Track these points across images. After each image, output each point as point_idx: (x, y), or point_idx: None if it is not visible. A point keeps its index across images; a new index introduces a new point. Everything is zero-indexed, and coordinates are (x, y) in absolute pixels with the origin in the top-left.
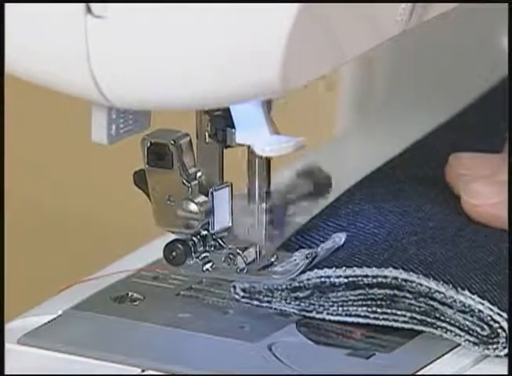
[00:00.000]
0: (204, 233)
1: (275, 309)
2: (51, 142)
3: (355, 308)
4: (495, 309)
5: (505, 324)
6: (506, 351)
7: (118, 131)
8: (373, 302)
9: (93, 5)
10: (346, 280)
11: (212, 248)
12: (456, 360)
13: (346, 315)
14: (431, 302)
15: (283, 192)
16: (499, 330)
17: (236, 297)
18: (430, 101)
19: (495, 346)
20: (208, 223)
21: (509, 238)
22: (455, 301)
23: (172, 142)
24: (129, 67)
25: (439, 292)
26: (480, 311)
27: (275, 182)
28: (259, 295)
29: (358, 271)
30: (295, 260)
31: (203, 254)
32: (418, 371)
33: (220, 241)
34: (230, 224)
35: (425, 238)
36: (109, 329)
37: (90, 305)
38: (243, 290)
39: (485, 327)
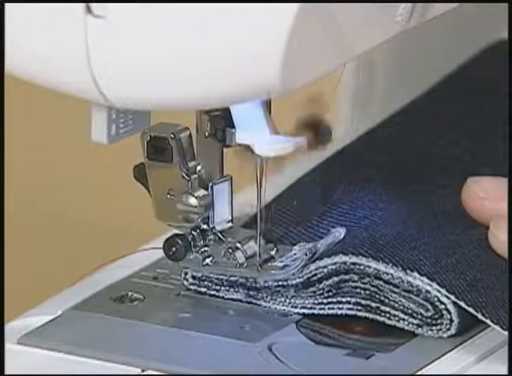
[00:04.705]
0: (204, 226)
1: (223, 297)
2: (51, 142)
3: (302, 301)
4: (444, 291)
5: (451, 307)
6: (449, 333)
7: (118, 131)
8: (321, 295)
9: (93, 5)
10: (302, 280)
11: (212, 242)
12: (456, 360)
13: (292, 306)
14: (377, 281)
15: None
16: (444, 312)
17: (185, 283)
18: None
19: (438, 327)
20: (208, 217)
21: (509, 239)
22: (402, 281)
23: (172, 135)
24: (129, 67)
25: (387, 273)
26: (427, 291)
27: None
28: (208, 283)
29: (312, 266)
30: (295, 254)
31: (203, 249)
32: (418, 371)
33: (220, 235)
34: (230, 218)
35: (376, 220)
36: (109, 329)
37: (90, 305)
38: (193, 277)
39: (430, 307)
